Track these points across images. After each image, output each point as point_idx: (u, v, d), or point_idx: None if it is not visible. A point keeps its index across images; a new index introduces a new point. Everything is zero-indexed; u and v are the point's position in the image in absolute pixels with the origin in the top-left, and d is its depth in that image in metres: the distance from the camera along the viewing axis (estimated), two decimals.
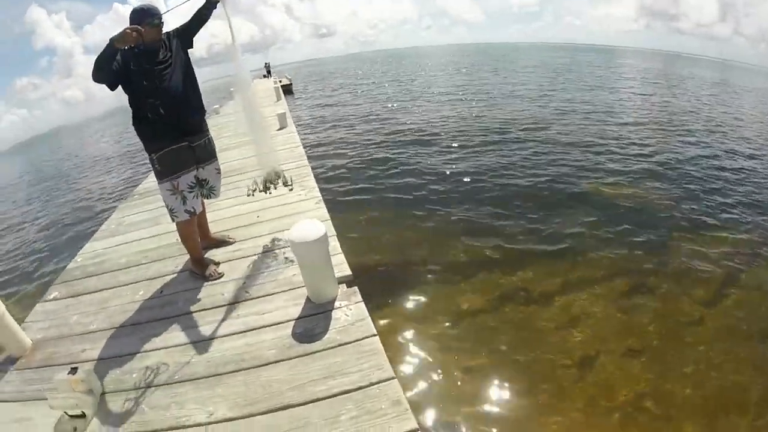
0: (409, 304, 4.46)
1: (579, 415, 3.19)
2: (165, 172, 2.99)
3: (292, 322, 2.56)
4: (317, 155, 10.02)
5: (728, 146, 10.65)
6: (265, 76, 34.97)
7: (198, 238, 3.39)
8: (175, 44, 2.97)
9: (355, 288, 2.78)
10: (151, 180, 6.79)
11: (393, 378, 2.09)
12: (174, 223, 3.20)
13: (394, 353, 3.36)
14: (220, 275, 3.24)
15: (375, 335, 2.37)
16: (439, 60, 56.75)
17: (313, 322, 2.53)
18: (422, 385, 3.46)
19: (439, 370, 3.59)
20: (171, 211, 3.11)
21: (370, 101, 19.98)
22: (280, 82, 24.74)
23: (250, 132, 3.29)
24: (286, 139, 7.66)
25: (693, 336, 3.94)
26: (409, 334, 4.01)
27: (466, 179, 8.04)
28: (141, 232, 4.52)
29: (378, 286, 4.56)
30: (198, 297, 3.06)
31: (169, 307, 3.03)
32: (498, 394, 3.39)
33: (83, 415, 2.23)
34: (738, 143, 11.04)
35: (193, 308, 2.95)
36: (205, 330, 2.69)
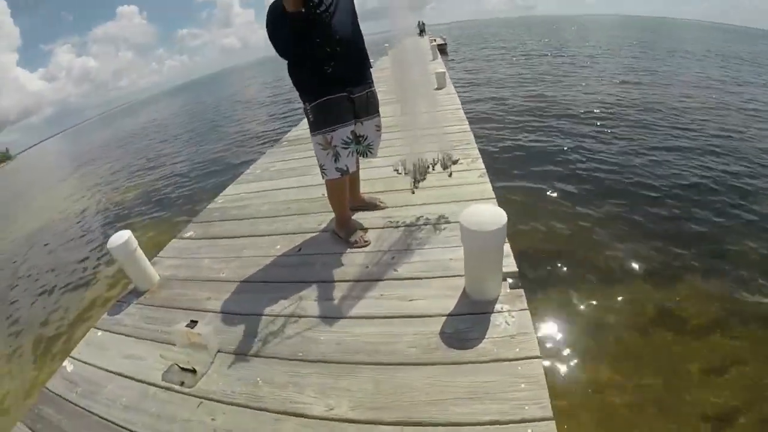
0: (551, 304, 3.93)
1: None
2: (319, 123, 2.69)
3: (443, 318, 2.11)
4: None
5: None
6: (419, 35, 33.68)
7: (347, 199, 3.07)
8: None
9: (521, 291, 2.24)
10: (303, 127, 6.75)
11: (551, 419, 1.58)
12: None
13: None
14: (366, 243, 2.90)
15: (539, 357, 1.87)
16: (603, 34, 52.30)
17: (467, 323, 2.06)
18: None
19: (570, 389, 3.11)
20: (321, 167, 2.83)
21: (529, 74, 18.66)
22: (435, 41, 23.85)
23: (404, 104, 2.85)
24: (445, 100, 7.24)
25: None
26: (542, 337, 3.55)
27: (627, 171, 7.04)
28: (286, 181, 4.39)
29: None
30: (338, 264, 2.74)
31: (305, 269, 2.76)
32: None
33: (194, 371, 2.07)
34: None
35: (330, 276, 2.63)
36: (341, 306, 2.36)
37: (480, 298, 2.18)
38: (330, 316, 2.28)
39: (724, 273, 4.37)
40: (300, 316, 2.31)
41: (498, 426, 1.58)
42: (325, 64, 2.52)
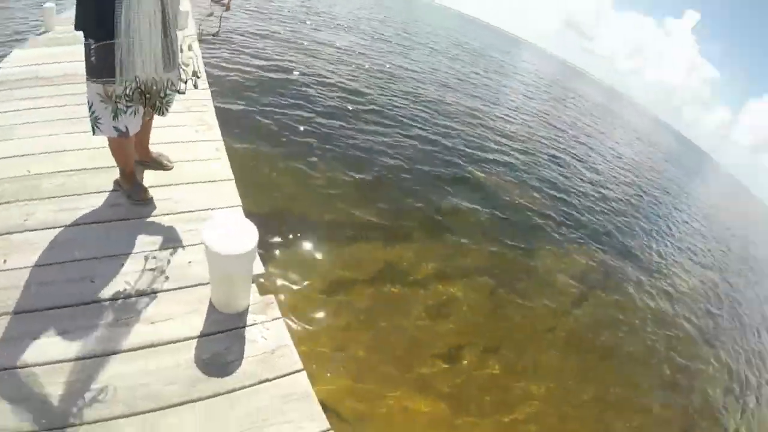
0: (291, 263, 3.79)
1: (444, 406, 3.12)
2: (101, 69, 2.05)
3: (194, 342, 1.82)
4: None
5: (599, 168, 11.43)
6: None
7: (131, 156, 2.57)
8: None
9: (272, 297, 2.08)
10: (9, 64, 4.48)
11: (329, 429, 1.60)
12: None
13: None
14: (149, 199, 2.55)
15: (302, 370, 1.78)
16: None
17: (222, 344, 1.82)
18: None
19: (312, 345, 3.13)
20: (94, 120, 2.22)
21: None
22: None
23: None
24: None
25: (545, 340, 4.16)
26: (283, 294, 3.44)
27: (361, 138, 7.02)
28: None
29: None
30: (55, 281, 2.01)
31: (16, 293, 1.92)
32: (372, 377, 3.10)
33: None
34: (608, 168, 11.87)
35: (48, 302, 1.91)
36: (68, 342, 1.76)
37: (229, 311, 1.95)
38: (62, 360, 1.70)
39: (439, 235, 5.00)
40: (23, 366, 1.67)
41: None
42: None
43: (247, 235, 1.75)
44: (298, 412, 1.63)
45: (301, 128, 6.59)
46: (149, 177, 2.82)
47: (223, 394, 1.66)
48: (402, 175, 6.12)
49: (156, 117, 2.62)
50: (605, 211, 8.45)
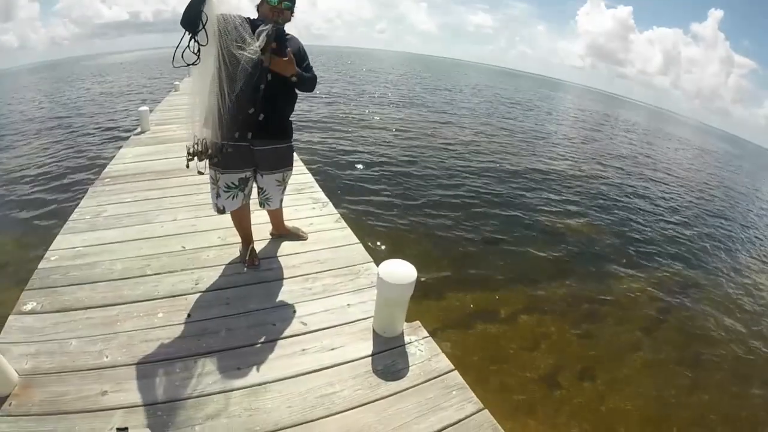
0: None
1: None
2: (212, 159, 2.57)
3: (369, 359, 2.28)
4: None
5: (660, 189, 11.68)
6: None
7: (245, 228, 3.09)
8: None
9: (418, 322, 2.56)
10: (123, 160, 5.49)
11: (484, 409, 2.01)
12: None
13: None
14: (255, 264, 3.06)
15: (454, 369, 2.23)
16: (392, 67, 56.56)
17: (390, 359, 2.28)
18: None
19: None
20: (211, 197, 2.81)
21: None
22: None
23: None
24: None
25: (632, 359, 4.30)
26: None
27: (435, 194, 8.00)
28: (131, 231, 3.56)
29: None
30: (243, 326, 2.48)
31: (208, 339, 2.35)
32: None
33: None
34: (668, 188, 12.12)
35: (242, 341, 2.36)
36: (270, 368, 2.20)
37: (390, 335, 2.42)
38: (265, 382, 2.12)
39: (519, 280, 5.40)
40: (233, 390, 2.07)
41: (452, 428, 1.92)
42: (233, 111, 2.36)
43: (409, 271, 2.27)
44: (458, 398, 2.06)
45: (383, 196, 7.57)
46: (293, 246, 3.39)
47: (400, 392, 2.09)
48: (470, 234, 6.59)
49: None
50: (671, 228, 8.60)
